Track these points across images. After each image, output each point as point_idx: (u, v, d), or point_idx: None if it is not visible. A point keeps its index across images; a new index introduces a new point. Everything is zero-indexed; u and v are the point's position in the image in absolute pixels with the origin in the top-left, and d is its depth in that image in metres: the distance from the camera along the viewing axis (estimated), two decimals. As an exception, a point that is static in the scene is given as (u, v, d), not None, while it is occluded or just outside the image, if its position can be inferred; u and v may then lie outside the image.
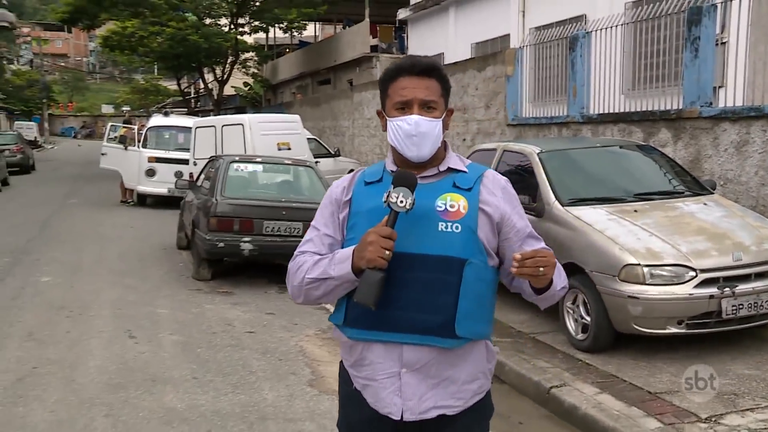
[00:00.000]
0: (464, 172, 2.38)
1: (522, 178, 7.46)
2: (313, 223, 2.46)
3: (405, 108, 2.30)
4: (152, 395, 5.57)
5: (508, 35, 16.96)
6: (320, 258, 2.33)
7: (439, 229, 2.25)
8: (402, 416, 2.30)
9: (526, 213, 7.00)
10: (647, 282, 5.76)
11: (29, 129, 58.16)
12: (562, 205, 6.77)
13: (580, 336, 6.27)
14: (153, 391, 5.65)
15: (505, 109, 13.35)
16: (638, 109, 10.19)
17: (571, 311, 6.40)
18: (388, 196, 2.17)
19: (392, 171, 2.36)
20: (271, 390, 5.67)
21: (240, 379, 5.93)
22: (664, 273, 5.77)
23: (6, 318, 7.87)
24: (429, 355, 2.28)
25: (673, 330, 5.77)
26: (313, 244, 2.42)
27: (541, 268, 2.17)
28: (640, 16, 10.54)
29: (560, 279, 2.37)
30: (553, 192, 6.94)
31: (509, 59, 13.26)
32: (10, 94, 69.07)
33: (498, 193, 2.37)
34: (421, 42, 22.83)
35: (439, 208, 2.26)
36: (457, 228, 2.26)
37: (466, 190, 2.31)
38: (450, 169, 2.37)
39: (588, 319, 6.15)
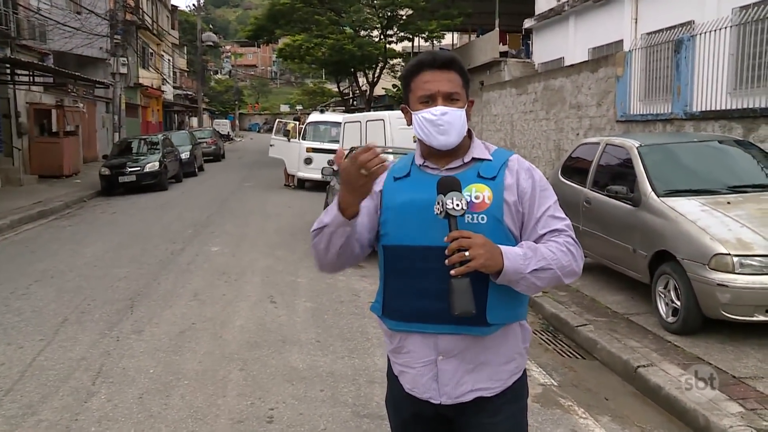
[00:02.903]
0: (489, 160, 2.03)
1: (622, 170, 6.91)
2: None
3: (429, 101, 1.98)
4: (281, 354, 5.48)
5: (622, 40, 15.88)
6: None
7: (466, 221, 1.91)
8: (440, 401, 2.02)
9: (624, 203, 6.44)
10: (736, 271, 5.08)
11: (224, 125, 61.39)
12: (658, 196, 6.12)
13: (670, 319, 5.66)
14: (282, 351, 5.56)
15: (615, 107, 12.50)
16: (740, 107, 9.15)
17: (663, 295, 5.78)
18: (443, 206, 1.82)
19: (420, 165, 2.05)
20: (382, 356, 5.39)
21: (356, 345, 5.73)
22: (754, 263, 5.07)
23: (180, 280, 8.14)
24: (464, 343, 1.98)
25: (761, 318, 5.06)
26: None
27: (467, 252, 1.78)
28: (745, 20, 9.46)
29: (526, 261, 1.87)
30: (650, 183, 6.29)
31: (619, 62, 12.38)
32: (212, 98, 73.43)
33: (522, 175, 2.01)
34: (544, 48, 21.93)
35: None
36: (482, 219, 1.93)
37: (490, 180, 1.97)
38: (474, 159, 2.03)
39: (678, 303, 5.52)
